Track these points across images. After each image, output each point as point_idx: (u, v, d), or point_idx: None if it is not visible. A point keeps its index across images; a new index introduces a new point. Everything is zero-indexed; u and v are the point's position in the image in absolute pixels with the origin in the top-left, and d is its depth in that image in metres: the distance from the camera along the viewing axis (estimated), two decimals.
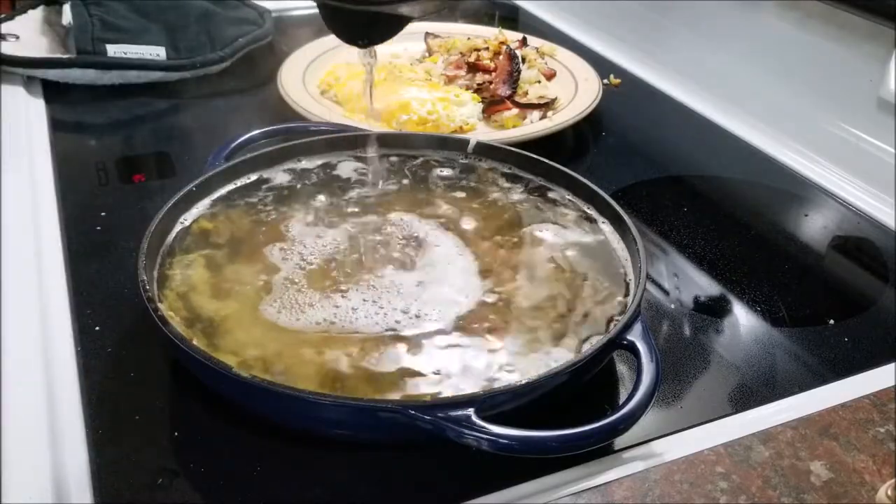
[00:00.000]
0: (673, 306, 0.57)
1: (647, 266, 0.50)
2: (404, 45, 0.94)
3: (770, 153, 0.80)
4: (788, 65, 0.82)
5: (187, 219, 0.54)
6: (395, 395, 0.42)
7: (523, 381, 0.41)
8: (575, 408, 0.46)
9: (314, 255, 0.52)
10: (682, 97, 0.90)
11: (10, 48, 0.83)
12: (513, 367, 0.44)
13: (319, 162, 0.62)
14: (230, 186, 0.58)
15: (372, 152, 0.60)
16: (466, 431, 0.38)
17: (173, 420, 0.45)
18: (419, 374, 0.43)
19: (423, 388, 0.43)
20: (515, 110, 0.79)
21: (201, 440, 0.44)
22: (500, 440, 0.38)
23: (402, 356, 0.45)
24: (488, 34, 0.95)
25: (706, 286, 0.59)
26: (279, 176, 0.60)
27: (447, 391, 0.42)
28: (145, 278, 0.46)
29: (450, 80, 0.85)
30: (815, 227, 0.69)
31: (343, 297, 0.49)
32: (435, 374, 0.44)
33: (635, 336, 0.44)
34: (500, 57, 0.86)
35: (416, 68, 0.87)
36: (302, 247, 0.53)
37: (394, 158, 0.63)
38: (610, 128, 0.83)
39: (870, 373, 0.51)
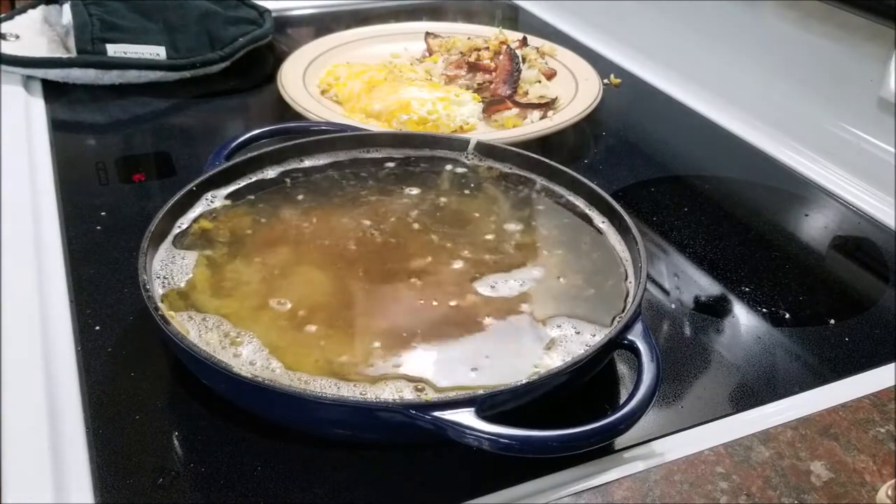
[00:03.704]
0: (673, 306, 0.57)
1: (648, 266, 0.50)
2: (404, 45, 0.95)
3: (770, 153, 0.80)
4: (788, 65, 0.82)
5: (187, 218, 0.54)
6: (394, 394, 0.42)
7: (523, 381, 0.41)
8: (575, 408, 0.46)
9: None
10: (682, 97, 0.90)
11: (10, 48, 0.83)
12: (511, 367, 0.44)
13: (320, 162, 0.62)
14: (230, 186, 0.58)
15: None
16: (467, 431, 0.38)
17: (173, 420, 0.45)
18: (418, 375, 0.43)
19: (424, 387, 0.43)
20: (515, 110, 0.79)
21: (201, 440, 0.44)
22: (501, 440, 0.38)
23: (400, 356, 0.45)
24: (488, 34, 0.95)
25: (706, 286, 0.59)
26: (279, 176, 0.60)
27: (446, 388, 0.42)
28: (145, 278, 0.46)
29: (450, 80, 0.85)
30: (816, 227, 0.69)
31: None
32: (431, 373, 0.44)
33: (636, 336, 0.44)
34: (501, 57, 0.86)
35: (416, 68, 0.87)
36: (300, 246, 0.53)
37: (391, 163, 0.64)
38: (610, 128, 0.83)
39: (870, 373, 0.51)
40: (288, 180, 0.60)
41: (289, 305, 0.48)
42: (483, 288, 0.50)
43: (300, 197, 0.58)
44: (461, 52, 0.89)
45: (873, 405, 0.46)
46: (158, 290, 0.48)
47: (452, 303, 0.49)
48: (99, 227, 0.62)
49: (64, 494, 0.40)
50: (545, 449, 0.38)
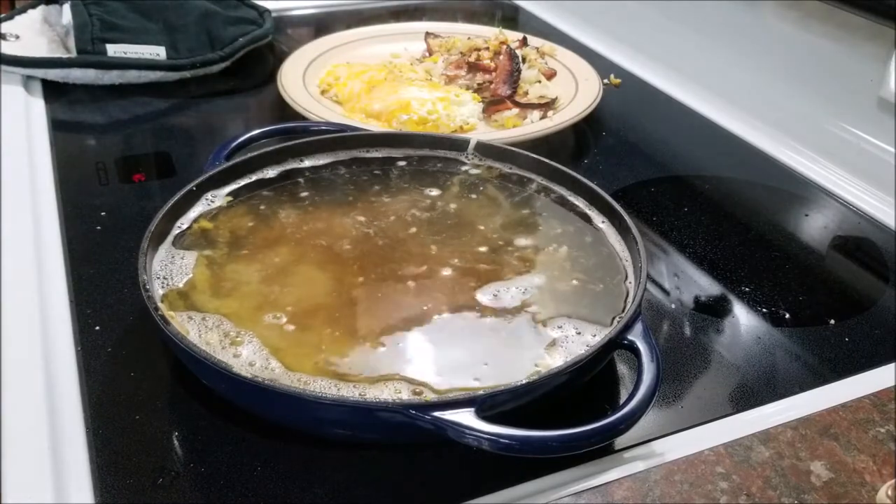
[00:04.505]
0: (673, 306, 0.57)
1: (648, 266, 0.50)
2: (404, 45, 0.95)
3: (770, 153, 0.80)
4: (788, 65, 0.82)
5: (187, 218, 0.54)
6: (394, 394, 0.42)
7: (524, 381, 0.41)
8: (575, 408, 0.46)
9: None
10: (682, 97, 0.90)
11: (10, 48, 0.83)
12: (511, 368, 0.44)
13: (320, 162, 0.62)
14: (230, 186, 0.58)
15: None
16: (467, 431, 0.38)
17: (173, 420, 0.45)
18: (417, 377, 0.43)
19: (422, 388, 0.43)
20: (515, 110, 0.79)
21: (201, 440, 0.44)
22: (501, 440, 0.38)
23: (400, 356, 0.45)
24: (488, 34, 0.95)
25: (706, 286, 0.59)
26: (279, 176, 0.60)
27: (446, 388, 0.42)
28: (145, 278, 0.46)
29: (450, 80, 0.85)
30: (815, 227, 0.69)
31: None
32: (431, 373, 0.44)
33: (636, 336, 0.44)
34: (501, 57, 0.86)
35: (416, 68, 0.87)
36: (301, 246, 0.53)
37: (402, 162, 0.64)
38: (610, 128, 0.83)
39: (870, 373, 0.51)
40: (288, 180, 0.60)
41: (289, 307, 0.47)
42: (483, 289, 0.50)
43: (300, 197, 0.58)
44: (461, 52, 0.89)
45: (873, 405, 0.46)
46: (158, 290, 0.48)
47: (453, 304, 0.49)
48: (99, 227, 0.62)
49: (64, 494, 0.40)
50: (545, 449, 0.38)
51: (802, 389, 0.50)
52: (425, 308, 0.48)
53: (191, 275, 0.49)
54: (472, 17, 1.14)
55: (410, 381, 0.43)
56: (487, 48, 0.88)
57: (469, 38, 0.92)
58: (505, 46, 0.87)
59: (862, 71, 0.74)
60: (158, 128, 0.79)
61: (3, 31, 0.86)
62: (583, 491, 0.41)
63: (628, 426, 0.40)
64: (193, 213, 0.55)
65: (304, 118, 0.75)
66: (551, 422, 0.38)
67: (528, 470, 0.42)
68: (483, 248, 0.54)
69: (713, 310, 0.57)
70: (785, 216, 0.70)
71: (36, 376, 0.47)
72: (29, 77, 0.83)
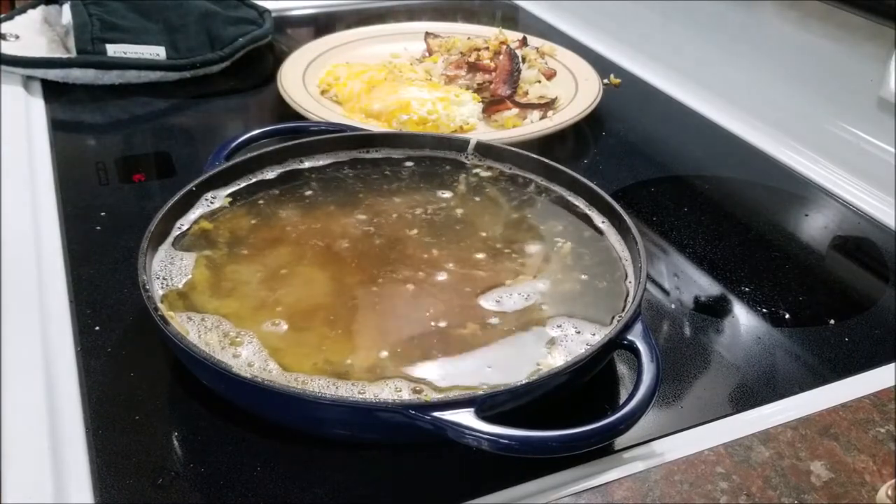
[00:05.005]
0: (673, 306, 0.57)
1: (648, 266, 0.50)
2: (404, 45, 0.95)
3: (770, 153, 0.80)
4: (788, 65, 0.82)
5: (187, 219, 0.54)
6: (393, 393, 0.42)
7: (523, 381, 0.41)
8: (575, 408, 0.46)
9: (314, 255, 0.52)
10: (682, 97, 0.90)
11: (10, 48, 0.83)
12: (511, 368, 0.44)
13: (320, 162, 0.62)
14: (230, 187, 0.58)
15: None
16: (466, 431, 0.38)
17: (173, 420, 0.45)
18: (417, 376, 0.43)
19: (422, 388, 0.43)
20: (515, 110, 0.79)
21: (201, 440, 0.44)
22: (501, 440, 0.38)
23: (400, 355, 0.45)
24: (488, 34, 0.95)
25: (706, 286, 0.59)
26: (279, 176, 0.60)
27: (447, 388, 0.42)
28: (145, 278, 0.46)
29: (450, 80, 0.85)
30: (815, 227, 0.69)
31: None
32: (432, 376, 0.44)
33: (635, 336, 0.44)
34: (501, 57, 0.86)
35: (416, 68, 0.87)
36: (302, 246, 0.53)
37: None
38: (610, 128, 0.83)
39: (870, 373, 0.51)
40: (288, 181, 0.60)
41: (289, 307, 0.47)
42: (483, 289, 0.50)
43: (300, 197, 0.58)
44: (461, 52, 0.89)
45: (873, 405, 0.46)
46: (158, 290, 0.48)
47: (454, 304, 0.49)
48: (99, 228, 0.62)
49: (64, 494, 0.40)
50: (545, 449, 0.38)
51: (802, 389, 0.50)
52: (425, 310, 0.48)
53: (190, 275, 0.49)
54: (472, 17, 1.14)
55: (411, 380, 0.43)
56: (487, 48, 0.88)
57: (469, 38, 0.92)
58: (505, 46, 0.87)
59: (862, 71, 0.74)
60: (158, 128, 0.79)
61: (3, 31, 0.86)
62: (583, 491, 0.41)
63: (628, 426, 0.40)
64: (193, 213, 0.55)
65: (304, 118, 0.75)
66: (551, 422, 0.38)
67: (528, 470, 0.42)
68: (482, 249, 0.54)
69: (713, 310, 0.57)
70: (785, 216, 0.70)
71: (36, 376, 0.47)
72: (29, 77, 0.83)
